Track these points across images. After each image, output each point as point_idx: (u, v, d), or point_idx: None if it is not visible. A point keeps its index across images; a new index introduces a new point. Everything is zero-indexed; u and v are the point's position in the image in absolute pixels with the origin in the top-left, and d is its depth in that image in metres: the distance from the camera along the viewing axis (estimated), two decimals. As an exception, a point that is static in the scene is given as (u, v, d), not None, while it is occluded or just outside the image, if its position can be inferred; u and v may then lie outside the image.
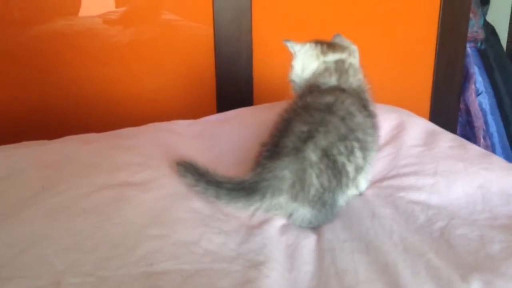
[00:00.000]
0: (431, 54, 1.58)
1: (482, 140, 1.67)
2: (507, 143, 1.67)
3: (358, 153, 0.71)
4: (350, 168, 0.71)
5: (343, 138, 0.70)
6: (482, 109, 1.68)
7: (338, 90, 0.75)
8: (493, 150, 1.65)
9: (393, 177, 0.82)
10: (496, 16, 1.75)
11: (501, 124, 1.68)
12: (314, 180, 0.69)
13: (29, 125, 1.27)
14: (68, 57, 1.26)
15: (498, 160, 0.86)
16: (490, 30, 1.71)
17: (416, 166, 0.82)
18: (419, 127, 0.94)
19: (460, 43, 1.60)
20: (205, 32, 1.35)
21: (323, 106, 0.72)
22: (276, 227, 0.71)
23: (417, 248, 0.65)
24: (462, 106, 1.70)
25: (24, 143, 0.92)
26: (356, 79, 0.78)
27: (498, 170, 0.81)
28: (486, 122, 1.67)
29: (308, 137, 0.70)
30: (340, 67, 0.77)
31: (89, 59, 1.28)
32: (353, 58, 0.81)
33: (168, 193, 0.75)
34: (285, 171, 0.69)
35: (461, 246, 0.64)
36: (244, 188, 0.69)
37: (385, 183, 0.82)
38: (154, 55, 1.34)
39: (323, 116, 0.71)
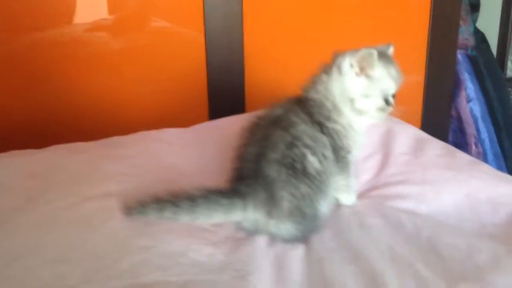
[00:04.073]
0: (422, 61, 1.59)
1: (473, 146, 1.67)
2: (498, 149, 1.68)
3: (311, 158, 0.70)
4: (313, 172, 0.70)
5: (290, 145, 0.69)
6: (473, 116, 1.69)
7: (295, 101, 0.75)
8: (484, 156, 1.66)
9: (381, 186, 0.82)
10: (486, 23, 1.77)
11: (492, 130, 1.68)
12: (282, 193, 0.69)
13: (20, 133, 1.26)
14: (60, 65, 1.26)
15: (486, 168, 0.86)
16: (480, 37, 1.73)
17: (404, 175, 0.82)
18: (407, 134, 0.95)
19: (450, 50, 1.61)
20: (196, 39, 1.35)
21: (269, 120, 0.73)
22: (264, 238, 0.71)
23: (405, 257, 0.65)
24: (453, 112, 1.71)
25: (11, 152, 0.91)
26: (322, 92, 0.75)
27: (486, 178, 0.81)
28: (477, 129, 1.68)
29: (258, 157, 0.70)
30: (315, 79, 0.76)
31: (81, 66, 1.27)
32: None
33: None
34: (258, 187, 0.69)
35: (448, 255, 0.64)
36: (224, 196, 0.69)
37: (374, 193, 0.82)
38: (146, 62, 1.33)
39: (266, 131, 0.71)
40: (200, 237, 0.69)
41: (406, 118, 1.15)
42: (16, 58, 1.22)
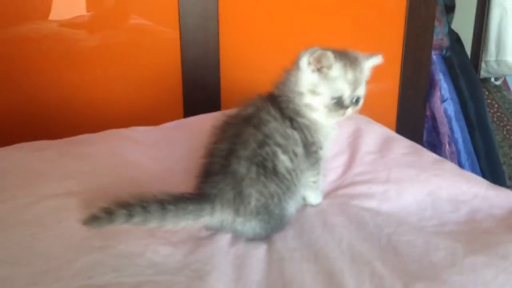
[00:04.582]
0: (397, 61, 1.61)
1: (447, 146, 1.70)
2: (471, 148, 1.71)
3: (282, 157, 0.70)
4: (283, 171, 0.70)
5: (262, 144, 0.69)
6: (447, 116, 1.71)
7: (266, 98, 0.75)
8: (458, 155, 1.68)
9: (347, 185, 0.82)
10: (461, 24, 1.79)
11: (465, 130, 1.71)
12: (251, 191, 0.69)
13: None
14: (33, 62, 1.23)
15: (450, 167, 0.87)
16: (455, 38, 1.75)
17: (370, 174, 0.83)
18: (375, 133, 0.95)
19: (425, 51, 1.62)
20: (171, 36, 1.33)
21: (241, 118, 0.73)
22: (226, 238, 0.70)
23: (364, 256, 0.65)
24: (428, 112, 1.73)
25: (-29, 150, 0.88)
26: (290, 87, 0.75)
27: (449, 176, 0.82)
28: (451, 128, 1.70)
29: (229, 153, 0.70)
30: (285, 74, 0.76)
31: (54, 63, 1.25)
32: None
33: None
34: (226, 185, 0.69)
35: (406, 253, 0.64)
36: (192, 201, 0.68)
37: (340, 192, 0.82)
38: (121, 59, 1.31)
39: (237, 129, 0.71)
40: (159, 237, 0.68)
41: (381, 117, 1.16)
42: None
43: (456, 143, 1.71)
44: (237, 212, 0.69)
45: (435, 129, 1.75)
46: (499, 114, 1.92)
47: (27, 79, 1.24)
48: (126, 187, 0.76)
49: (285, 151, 0.70)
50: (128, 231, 0.68)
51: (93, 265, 0.60)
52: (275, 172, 0.69)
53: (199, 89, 1.40)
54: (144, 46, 1.33)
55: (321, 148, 0.76)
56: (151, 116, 1.31)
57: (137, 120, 1.16)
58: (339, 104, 0.71)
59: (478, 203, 0.77)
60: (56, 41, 1.24)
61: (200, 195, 0.70)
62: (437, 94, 1.71)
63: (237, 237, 0.71)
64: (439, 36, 1.70)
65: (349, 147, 0.90)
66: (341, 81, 0.71)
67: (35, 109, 1.26)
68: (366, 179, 0.82)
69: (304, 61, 0.71)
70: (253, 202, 0.69)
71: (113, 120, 1.17)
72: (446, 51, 1.72)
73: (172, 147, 0.97)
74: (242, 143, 0.70)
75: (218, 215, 0.69)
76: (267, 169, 0.69)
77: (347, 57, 0.72)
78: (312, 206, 0.79)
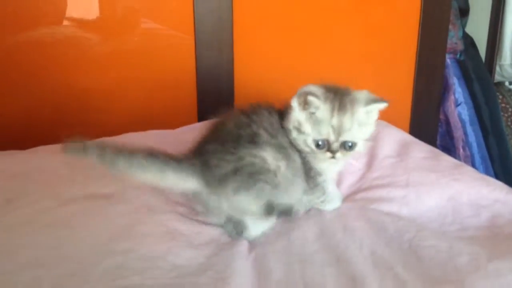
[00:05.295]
0: (411, 65, 1.60)
1: (461, 150, 1.68)
2: (486, 153, 1.69)
3: (266, 136, 0.69)
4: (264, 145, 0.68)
5: (245, 125, 0.69)
6: (461, 120, 1.69)
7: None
8: (472, 160, 1.66)
9: (366, 189, 0.82)
10: (475, 28, 1.78)
11: (480, 134, 1.69)
12: (213, 160, 0.67)
13: (5, 134, 1.24)
14: (48, 66, 1.25)
15: (469, 171, 0.86)
16: (469, 42, 1.74)
17: (389, 178, 0.82)
18: (393, 137, 0.95)
19: (439, 54, 1.62)
20: (186, 41, 1.35)
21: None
22: (245, 244, 0.70)
23: (386, 260, 0.64)
24: (441, 116, 1.72)
25: (-8, 153, 0.90)
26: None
27: (469, 181, 0.81)
28: (465, 133, 1.68)
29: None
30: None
31: (69, 67, 1.27)
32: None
33: (138, 206, 0.74)
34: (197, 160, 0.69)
35: (428, 258, 0.64)
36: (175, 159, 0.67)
37: (359, 196, 0.81)
38: (135, 64, 1.33)
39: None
40: (181, 240, 0.69)
41: (394, 121, 1.15)
42: (2, 58, 1.21)
43: (470, 147, 1.69)
44: (208, 184, 0.68)
45: (449, 133, 1.73)
46: (513, 118, 1.90)
47: (41, 83, 1.26)
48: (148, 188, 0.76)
49: (272, 136, 0.70)
50: (150, 235, 0.69)
51: (117, 268, 0.61)
52: (252, 141, 0.68)
53: (214, 93, 1.41)
54: (159, 51, 1.34)
55: (319, 175, 0.75)
56: (165, 121, 1.32)
57: (150, 124, 1.17)
58: (324, 147, 0.70)
59: (499, 208, 0.76)
60: (71, 45, 1.26)
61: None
62: (451, 98, 1.70)
63: (255, 243, 0.71)
64: (453, 40, 1.69)
65: (367, 151, 0.90)
66: (325, 124, 0.69)
67: (49, 113, 1.28)
68: (386, 183, 0.82)
69: (294, 100, 0.71)
70: (217, 170, 0.67)
71: (127, 124, 1.18)
72: (460, 55, 1.71)
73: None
74: (223, 129, 0.70)
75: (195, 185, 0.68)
76: (241, 139, 0.68)
77: (338, 100, 0.70)
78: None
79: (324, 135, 0.69)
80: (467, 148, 1.68)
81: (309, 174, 0.74)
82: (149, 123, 1.22)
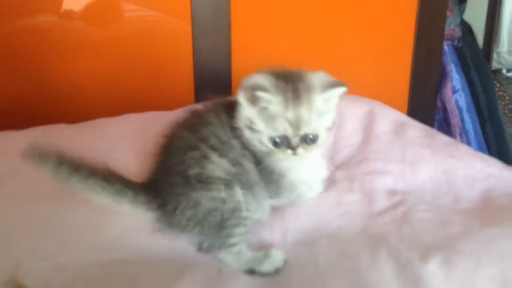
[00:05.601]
0: (409, 51, 1.60)
1: (458, 137, 1.69)
2: (482, 140, 1.70)
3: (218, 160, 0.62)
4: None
5: (192, 148, 0.63)
6: (458, 107, 1.70)
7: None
8: (468, 147, 1.67)
9: (361, 160, 0.82)
10: (473, 15, 1.78)
11: (477, 121, 1.70)
12: (173, 204, 0.63)
13: (1, 119, 1.25)
14: (45, 52, 1.25)
15: (465, 148, 0.87)
16: (467, 29, 1.74)
17: (384, 152, 0.83)
18: (389, 117, 0.95)
19: (437, 41, 1.62)
20: (183, 27, 1.35)
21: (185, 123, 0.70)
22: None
23: (379, 232, 0.65)
24: (439, 103, 1.73)
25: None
26: None
27: (464, 157, 0.82)
28: (462, 120, 1.69)
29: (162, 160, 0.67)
30: None
31: (66, 54, 1.27)
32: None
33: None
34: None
35: (422, 229, 0.65)
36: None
37: (354, 165, 0.81)
38: (132, 50, 1.33)
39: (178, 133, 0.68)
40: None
41: (392, 107, 1.15)
42: (2, 45, 1.21)
43: (467, 135, 1.70)
44: (170, 224, 0.63)
45: (446, 120, 1.74)
46: (510, 106, 1.91)
47: (38, 69, 1.26)
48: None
49: (222, 156, 0.62)
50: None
51: (116, 238, 0.61)
52: (204, 178, 0.61)
53: (211, 79, 1.41)
54: (156, 37, 1.34)
55: (283, 176, 0.65)
56: (162, 107, 1.33)
57: (147, 110, 1.17)
58: (283, 144, 0.61)
59: (493, 182, 0.77)
60: (68, 31, 1.26)
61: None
62: (448, 85, 1.70)
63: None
64: (451, 27, 1.69)
65: (363, 127, 0.91)
66: (280, 119, 0.60)
67: (47, 99, 1.28)
68: (381, 156, 0.82)
69: (240, 94, 0.61)
70: (177, 215, 0.62)
71: (124, 108, 1.19)
72: (458, 42, 1.72)
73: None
74: (174, 150, 0.64)
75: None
76: (189, 178, 0.61)
77: (291, 88, 0.60)
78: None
79: (280, 131, 0.60)
80: (464, 135, 1.69)
81: (270, 179, 0.65)
82: (146, 109, 1.22)
